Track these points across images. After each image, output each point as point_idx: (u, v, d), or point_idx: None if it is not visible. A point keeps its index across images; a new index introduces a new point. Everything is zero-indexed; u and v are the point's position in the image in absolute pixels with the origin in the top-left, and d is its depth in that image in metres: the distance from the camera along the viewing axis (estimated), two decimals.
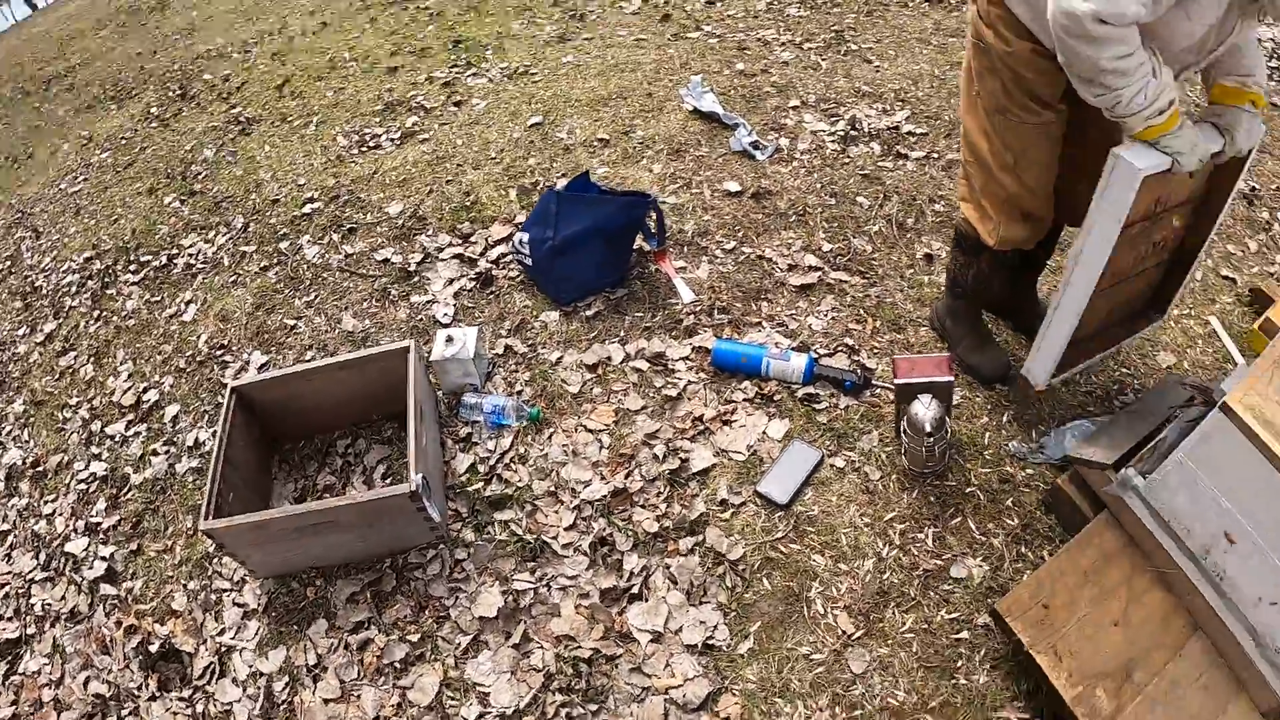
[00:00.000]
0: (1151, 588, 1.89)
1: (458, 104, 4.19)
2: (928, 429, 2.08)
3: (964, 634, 1.97)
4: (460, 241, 3.21)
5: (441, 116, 4.13)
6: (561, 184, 3.13)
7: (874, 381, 2.47)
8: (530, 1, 5.19)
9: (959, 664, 1.92)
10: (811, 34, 4.38)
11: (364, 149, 4.01)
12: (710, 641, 2.01)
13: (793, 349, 2.57)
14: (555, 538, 2.25)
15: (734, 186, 3.23)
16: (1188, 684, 1.78)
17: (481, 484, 2.39)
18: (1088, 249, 1.89)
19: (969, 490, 2.23)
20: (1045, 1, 1.64)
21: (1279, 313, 2.64)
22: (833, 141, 3.45)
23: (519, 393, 2.62)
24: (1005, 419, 2.40)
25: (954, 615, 2.00)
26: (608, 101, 3.94)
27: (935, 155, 3.32)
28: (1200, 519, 1.73)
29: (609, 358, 2.68)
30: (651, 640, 2.04)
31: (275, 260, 3.40)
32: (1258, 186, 3.55)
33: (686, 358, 2.63)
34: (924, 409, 2.08)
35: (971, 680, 1.90)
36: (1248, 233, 3.25)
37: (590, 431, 2.49)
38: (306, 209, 3.63)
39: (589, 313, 2.81)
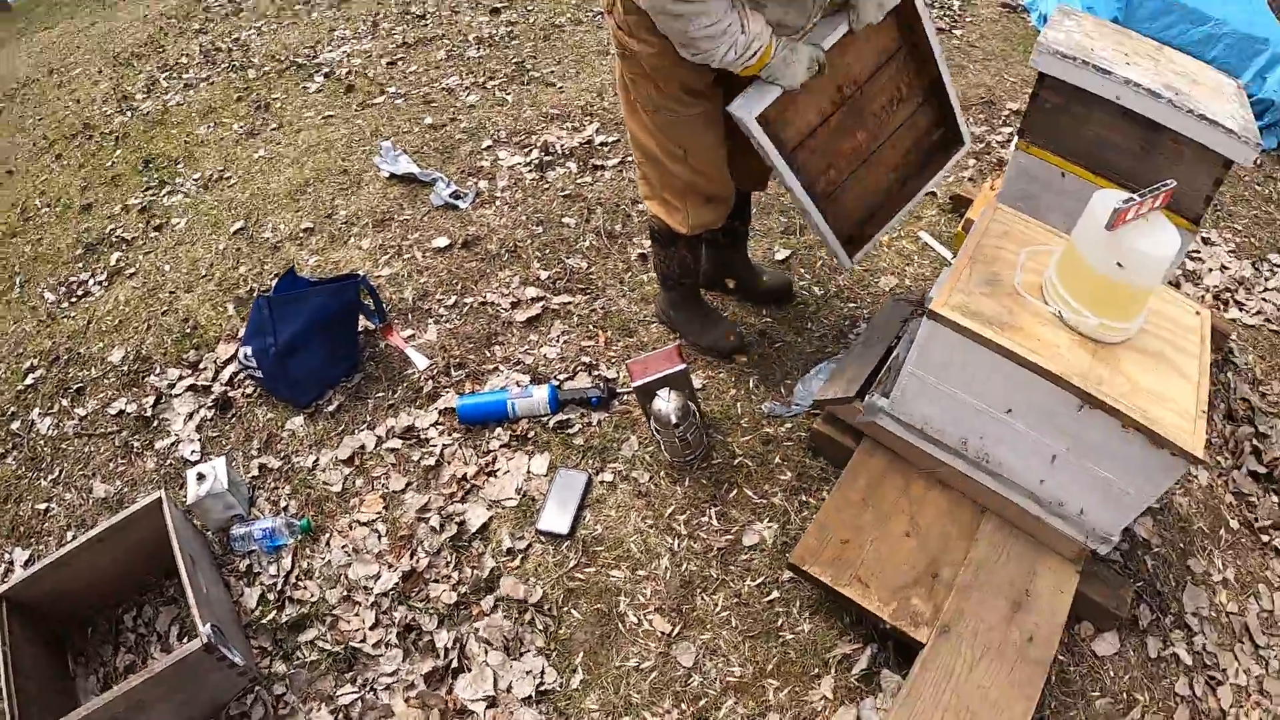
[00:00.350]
0: (929, 491, 2.07)
1: (158, 228, 3.96)
2: (674, 420, 2.17)
3: (774, 594, 2.08)
4: (190, 371, 3.04)
5: (144, 245, 3.89)
6: (275, 285, 3.02)
7: (618, 390, 2.54)
8: (215, 102, 4.98)
9: (779, 623, 2.04)
10: (494, 71, 4.45)
11: (73, 300, 3.71)
12: (543, 688, 2.03)
13: (533, 383, 2.60)
14: (363, 640, 2.19)
15: (443, 241, 3.23)
16: (993, 562, 1.98)
17: (276, 611, 2.29)
18: (785, 180, 2.06)
19: (737, 462, 2.34)
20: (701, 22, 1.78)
21: (977, 210, 2.89)
22: (530, 171, 3.52)
23: (285, 508, 2.52)
24: (752, 384, 2.54)
25: (759, 580, 2.11)
26: (306, 188, 3.84)
27: (630, 159, 3.45)
28: (949, 417, 1.94)
29: (362, 446, 2.62)
30: (488, 706, 2.03)
31: (10, 445, 3.10)
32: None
33: (436, 423, 2.63)
34: (665, 403, 2.17)
35: (797, 633, 2.02)
36: None
37: (364, 525, 2.44)
38: (29, 379, 3.33)
39: (331, 408, 2.74)
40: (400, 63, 4.78)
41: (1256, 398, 3.04)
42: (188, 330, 3.22)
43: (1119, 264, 1.69)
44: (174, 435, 2.85)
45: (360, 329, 2.90)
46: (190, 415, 2.90)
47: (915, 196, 2.49)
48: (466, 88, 4.34)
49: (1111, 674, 2.12)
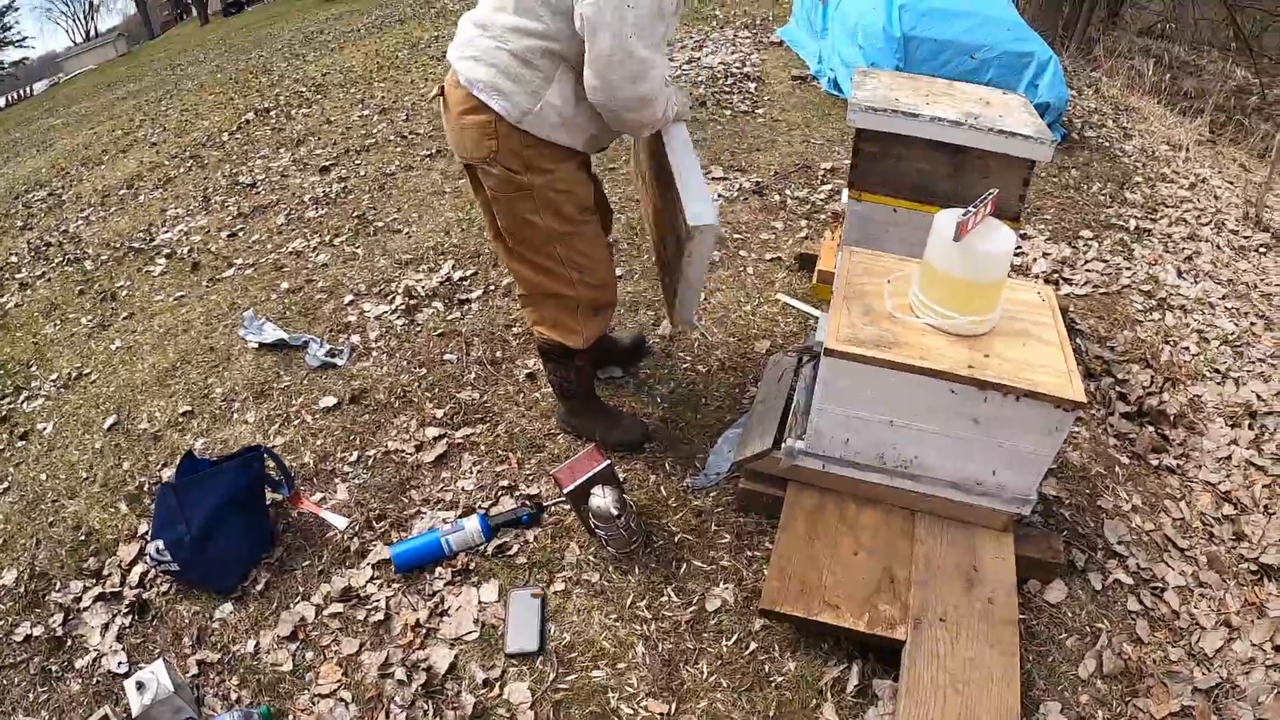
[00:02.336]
0: (862, 510, 2.25)
1: (24, 436, 3.77)
2: (615, 512, 2.23)
3: (752, 646, 2.16)
4: (94, 581, 2.87)
5: (12, 457, 3.68)
6: (169, 474, 2.96)
7: (545, 504, 2.59)
8: (56, 299, 4.81)
9: (767, 670, 2.10)
10: (337, 228, 4.50)
11: None
12: None
13: (461, 516, 2.61)
14: None
15: (330, 401, 3.23)
16: (937, 552, 2.17)
17: None
18: (692, 281, 2.21)
19: (678, 539, 2.43)
20: (583, 108, 1.98)
21: (827, 261, 3.15)
22: (398, 318, 3.57)
23: (238, 701, 2.40)
24: (669, 467, 2.65)
25: (735, 637, 2.18)
26: (174, 372, 3.76)
27: (492, 286, 3.57)
28: (863, 439, 2.12)
29: (303, 619, 2.53)
30: None
31: None
32: (760, 180, 4.21)
33: (372, 578, 2.57)
34: (603, 499, 2.23)
35: (785, 674, 2.09)
36: (770, 218, 3.82)
37: (327, 697, 2.35)
38: None
39: (259, 587, 2.64)
40: (241, 233, 4.78)
41: (1107, 352, 3.39)
42: (81, 538, 3.06)
43: (971, 267, 1.94)
44: (94, 650, 2.66)
45: (270, 502, 2.83)
46: (106, 626, 2.72)
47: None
48: (314, 248, 4.37)
49: (1070, 614, 2.32)
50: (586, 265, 2.27)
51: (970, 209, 1.90)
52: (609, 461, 2.30)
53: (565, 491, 2.28)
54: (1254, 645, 2.32)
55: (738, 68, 6.60)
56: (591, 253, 2.27)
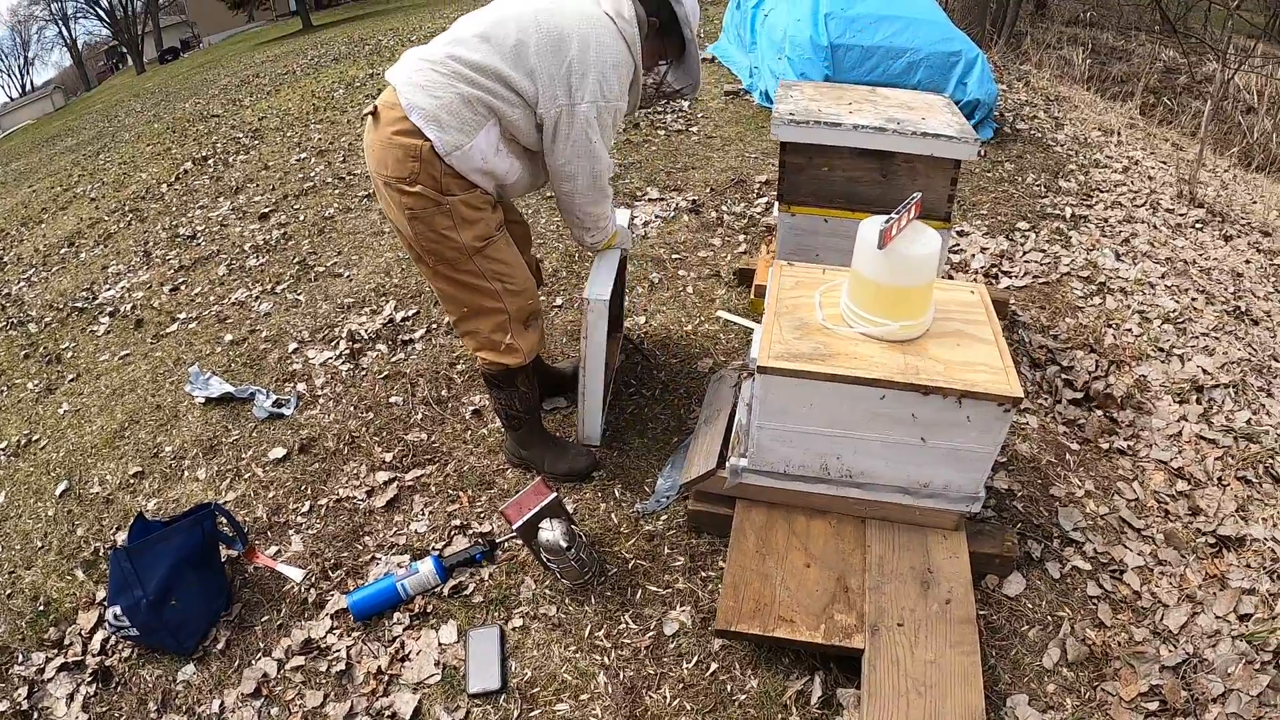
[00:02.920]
0: (811, 522, 2.25)
1: None
2: (564, 545, 2.22)
3: (713, 666, 2.14)
4: (56, 651, 2.81)
5: None
6: (121, 539, 2.90)
7: (497, 540, 2.56)
8: (2, 364, 4.71)
9: (729, 689, 2.09)
10: (279, 275, 4.45)
11: None
12: None
13: (415, 559, 2.58)
14: None
15: (280, 452, 3.18)
16: (890, 557, 2.17)
17: None
18: (592, 358, 2.44)
19: (631, 565, 2.41)
20: (500, 159, 2.23)
21: (763, 275, 3.18)
22: (342, 363, 3.53)
23: None
24: (618, 494, 2.64)
25: (695, 659, 2.16)
26: (123, 433, 3.69)
27: (435, 325, 3.54)
28: (805, 452, 2.13)
29: (265, 675, 2.48)
30: None
31: None
32: (697, 198, 4.22)
33: (332, 628, 2.53)
34: (551, 532, 2.22)
35: (748, 691, 2.07)
36: (708, 235, 3.82)
37: None
38: None
39: (219, 646, 2.58)
40: (183, 287, 4.71)
41: (1050, 341, 3.43)
42: (40, 608, 2.99)
43: (898, 273, 1.95)
44: None
45: (225, 559, 2.79)
46: (71, 696, 2.66)
47: (611, 377, 2.94)
48: (256, 297, 4.32)
49: (1030, 606, 2.33)
50: (505, 273, 2.37)
51: (893, 215, 1.91)
52: (556, 494, 2.28)
53: (514, 527, 2.26)
54: (1218, 617, 2.34)
55: (669, 87, 6.62)
56: (507, 258, 2.38)
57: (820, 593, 2.06)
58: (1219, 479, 2.83)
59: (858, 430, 2.03)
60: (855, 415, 1.99)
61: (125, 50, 38.18)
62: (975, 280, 3.90)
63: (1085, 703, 2.12)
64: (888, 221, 1.89)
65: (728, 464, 2.21)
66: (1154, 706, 2.11)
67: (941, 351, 2.02)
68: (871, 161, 2.62)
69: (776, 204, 2.85)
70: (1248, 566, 2.51)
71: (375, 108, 2.21)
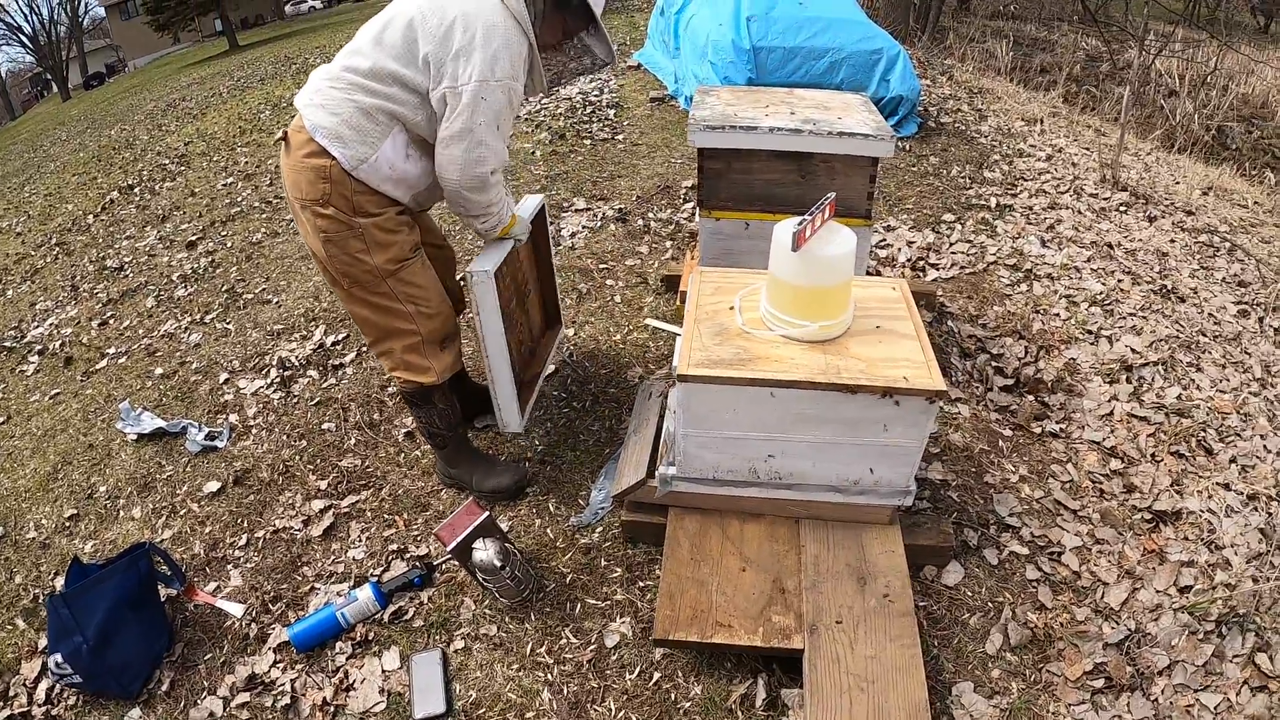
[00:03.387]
0: (744, 526, 2.24)
1: None
2: (499, 564, 2.20)
3: (656, 675, 2.13)
4: (1, 703, 2.73)
5: None
6: (59, 584, 2.82)
7: (435, 563, 2.54)
8: None
9: (674, 697, 2.08)
10: (207, 305, 4.37)
11: None
12: None
13: (354, 588, 2.54)
14: None
15: (214, 486, 3.11)
16: (825, 555, 2.17)
17: None
18: (489, 337, 2.34)
19: (569, 579, 2.40)
20: (410, 165, 2.21)
21: (687, 281, 3.18)
22: (274, 392, 3.47)
23: None
24: (553, 508, 2.62)
25: (638, 670, 2.15)
26: (56, 475, 3.58)
27: (365, 349, 3.50)
28: (732, 457, 2.12)
29: (211, 714, 2.42)
30: None
31: None
32: (623, 206, 4.21)
33: (275, 663, 2.48)
34: (485, 552, 2.20)
35: (693, 698, 2.06)
36: (635, 244, 3.82)
37: None
38: None
39: (164, 688, 2.51)
40: (112, 320, 4.61)
41: (979, 330, 3.47)
42: None
43: (814, 274, 1.96)
44: None
45: (164, 598, 2.72)
46: None
47: (543, 369, 2.95)
48: (186, 328, 4.24)
49: (970, 594, 2.35)
50: (419, 296, 2.36)
51: (806, 216, 1.92)
52: (489, 513, 2.26)
53: (448, 549, 2.24)
54: (1159, 591, 2.39)
55: (596, 96, 6.68)
56: (421, 282, 2.36)
57: (757, 595, 2.06)
58: (1152, 455, 2.89)
59: (783, 433, 2.03)
60: (779, 418, 2.00)
61: (50, 77, 37.20)
62: (903, 274, 3.95)
63: (1031, 685, 2.15)
64: (801, 223, 1.89)
65: (657, 473, 2.20)
66: (1100, 684, 2.15)
67: (863, 349, 2.03)
68: (789, 163, 2.63)
69: (697, 210, 2.86)
70: (1185, 539, 2.56)
71: (285, 134, 2.21)
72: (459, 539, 2.22)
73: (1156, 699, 2.12)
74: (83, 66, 37.70)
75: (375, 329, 2.41)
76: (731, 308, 2.18)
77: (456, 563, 2.34)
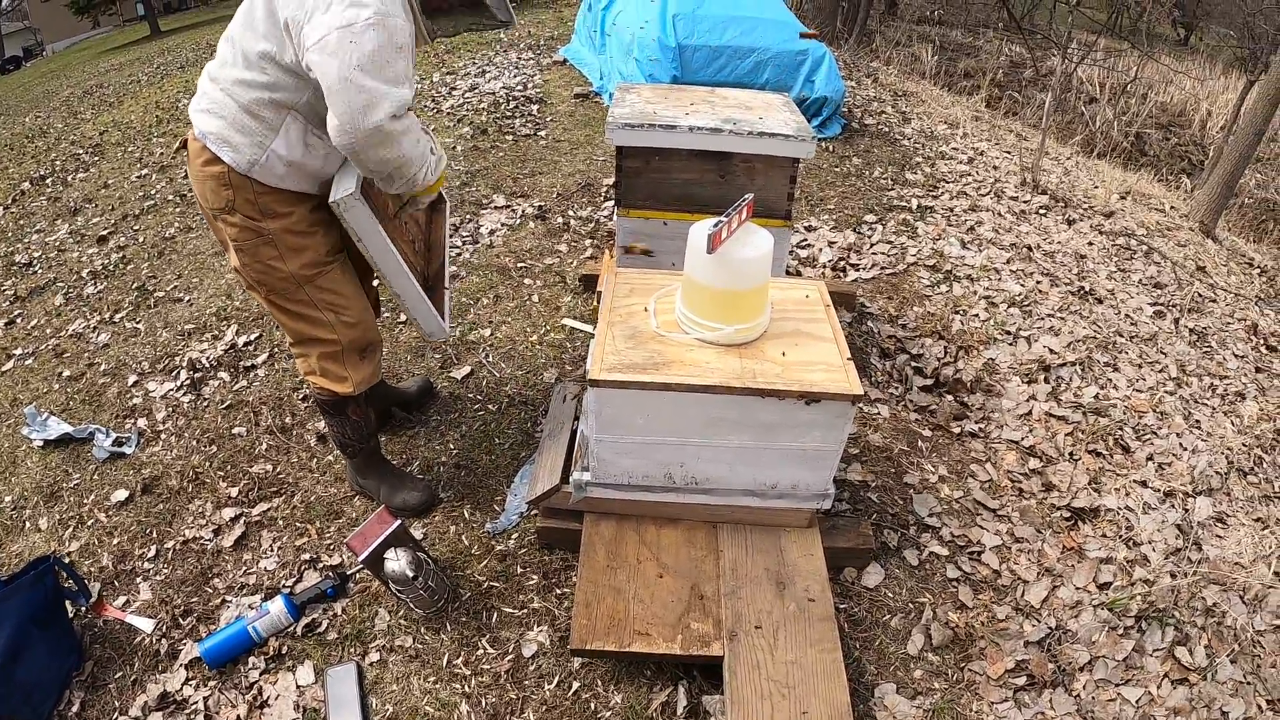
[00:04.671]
0: (661, 531, 2.22)
1: None
2: (411, 574, 2.15)
3: (575, 685, 2.10)
4: None
5: None
6: None
7: (348, 573, 2.47)
8: None
9: (594, 707, 2.05)
10: (117, 303, 4.20)
11: None
12: None
13: (266, 600, 2.46)
14: None
15: (122, 494, 2.99)
16: (743, 560, 2.15)
17: None
18: (380, 259, 2.16)
19: (485, 587, 2.36)
20: (312, 153, 2.03)
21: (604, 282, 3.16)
22: (184, 395, 3.35)
23: None
24: (468, 514, 2.58)
25: (556, 679, 2.12)
26: None
27: (278, 349, 3.41)
28: (647, 462, 2.09)
29: None
30: None
31: None
32: (543, 204, 4.17)
33: (187, 680, 2.38)
34: (396, 562, 2.15)
35: (613, 707, 2.04)
36: (554, 242, 3.78)
37: None
38: None
39: (74, 709, 2.40)
40: (19, 320, 4.39)
41: (899, 330, 3.51)
42: None
43: (730, 276, 1.94)
44: None
45: (71, 615, 2.59)
46: None
47: (446, 269, 2.70)
48: (94, 327, 4.07)
49: (890, 595, 2.37)
50: (340, 304, 2.26)
51: (722, 218, 1.90)
52: (400, 522, 2.21)
53: (360, 559, 2.18)
54: (1078, 588, 2.44)
55: (520, 91, 6.62)
56: (343, 290, 2.26)
57: (675, 602, 2.04)
58: (1070, 454, 2.95)
59: (698, 437, 2.01)
60: (694, 423, 1.98)
61: None
62: (824, 274, 3.97)
63: (953, 685, 2.17)
64: (717, 225, 1.87)
65: (571, 479, 2.16)
66: (1022, 681, 2.18)
67: (779, 352, 2.02)
68: (709, 163, 2.62)
69: (615, 209, 2.82)
70: (1104, 536, 2.63)
71: (185, 141, 2.11)
72: (370, 549, 2.16)
73: (1079, 695, 2.17)
74: None
75: (294, 334, 2.32)
76: (646, 309, 2.15)
77: (369, 573, 2.28)
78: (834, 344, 2.07)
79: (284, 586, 2.51)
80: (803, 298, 2.26)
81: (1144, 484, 2.85)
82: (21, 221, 5.94)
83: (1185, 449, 3.05)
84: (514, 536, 2.51)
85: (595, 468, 2.10)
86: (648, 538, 2.19)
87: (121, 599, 2.66)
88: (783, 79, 5.30)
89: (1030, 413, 3.14)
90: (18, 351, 4.11)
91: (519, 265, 4.05)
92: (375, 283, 2.65)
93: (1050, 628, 2.31)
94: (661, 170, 2.64)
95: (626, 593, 2.06)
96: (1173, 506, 2.78)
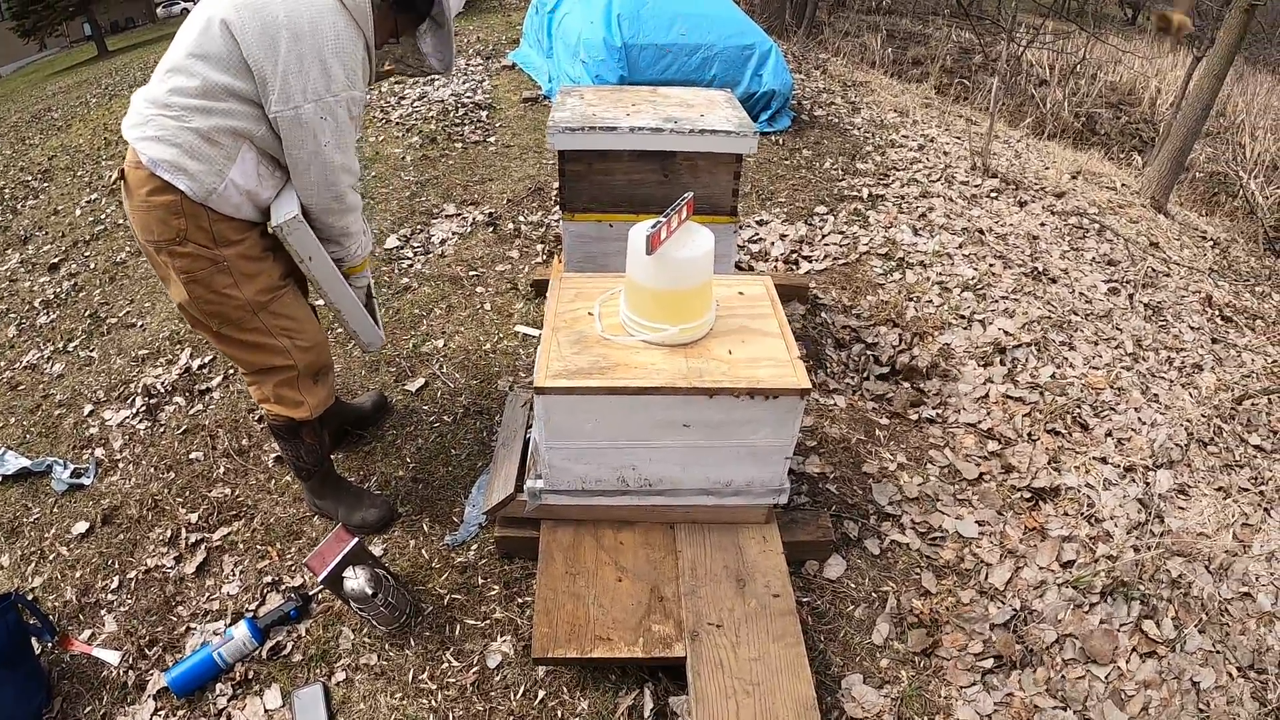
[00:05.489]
0: (619, 535, 2.22)
1: None
2: (370, 592, 2.14)
3: (541, 693, 2.11)
4: None
5: None
6: None
7: (310, 593, 2.46)
8: None
9: (561, 714, 2.06)
10: (70, 331, 4.15)
11: None
12: None
13: (230, 626, 2.44)
14: None
15: (82, 526, 2.94)
16: (702, 559, 2.17)
17: None
18: (325, 279, 2.21)
19: (447, 600, 2.35)
20: (263, 184, 2.04)
21: None
22: (139, 421, 3.31)
23: None
24: (427, 527, 2.58)
25: (522, 689, 2.12)
26: None
27: (232, 371, 3.38)
28: (599, 467, 2.10)
29: None
30: None
31: None
32: (494, 210, 4.15)
33: (156, 710, 2.36)
34: (355, 580, 2.14)
35: (580, 714, 2.05)
36: (505, 248, 3.77)
37: None
38: None
39: None
40: None
41: (853, 320, 3.54)
42: None
43: (671, 277, 1.94)
44: None
45: (38, 651, 2.55)
46: None
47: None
48: (48, 358, 4.01)
49: (853, 585, 2.38)
50: (294, 328, 2.24)
51: (660, 219, 1.90)
52: (358, 540, 2.20)
53: (319, 580, 2.16)
54: (1042, 568, 2.47)
55: (469, 97, 6.60)
56: (296, 314, 2.25)
57: (635, 606, 2.04)
58: (1029, 434, 2.98)
59: (648, 439, 2.02)
60: (642, 425, 1.98)
61: None
62: (776, 268, 3.99)
63: (920, 672, 2.19)
64: (655, 225, 1.87)
65: (525, 487, 2.16)
66: (989, 664, 2.20)
67: (726, 350, 2.03)
68: (652, 163, 2.62)
69: (560, 213, 2.83)
70: (1065, 515, 2.66)
71: (122, 172, 2.04)
72: (329, 568, 2.15)
73: (1048, 674, 2.19)
74: None
75: (248, 366, 2.29)
76: (591, 314, 2.15)
77: (330, 591, 2.26)
78: (781, 339, 2.08)
79: (247, 610, 2.49)
80: (749, 294, 2.27)
81: (1104, 460, 2.89)
82: None
83: (1144, 423, 3.09)
84: (473, 548, 2.50)
85: (548, 475, 2.10)
86: (605, 542, 2.19)
87: (87, 632, 2.63)
88: (730, 74, 5.31)
89: (987, 395, 3.17)
90: None
91: (470, 274, 4.04)
92: (318, 302, 2.63)
93: (1015, 609, 2.33)
94: (604, 172, 2.64)
95: (586, 598, 2.06)
96: (1133, 481, 2.81)
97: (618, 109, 2.69)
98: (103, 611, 2.67)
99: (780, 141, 5.64)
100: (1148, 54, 11.54)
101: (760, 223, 4.46)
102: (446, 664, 2.23)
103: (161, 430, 3.25)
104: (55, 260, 5.04)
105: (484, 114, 6.22)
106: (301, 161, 1.97)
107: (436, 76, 7.01)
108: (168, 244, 2.02)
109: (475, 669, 2.20)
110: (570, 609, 2.04)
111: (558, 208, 4.55)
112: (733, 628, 2.01)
